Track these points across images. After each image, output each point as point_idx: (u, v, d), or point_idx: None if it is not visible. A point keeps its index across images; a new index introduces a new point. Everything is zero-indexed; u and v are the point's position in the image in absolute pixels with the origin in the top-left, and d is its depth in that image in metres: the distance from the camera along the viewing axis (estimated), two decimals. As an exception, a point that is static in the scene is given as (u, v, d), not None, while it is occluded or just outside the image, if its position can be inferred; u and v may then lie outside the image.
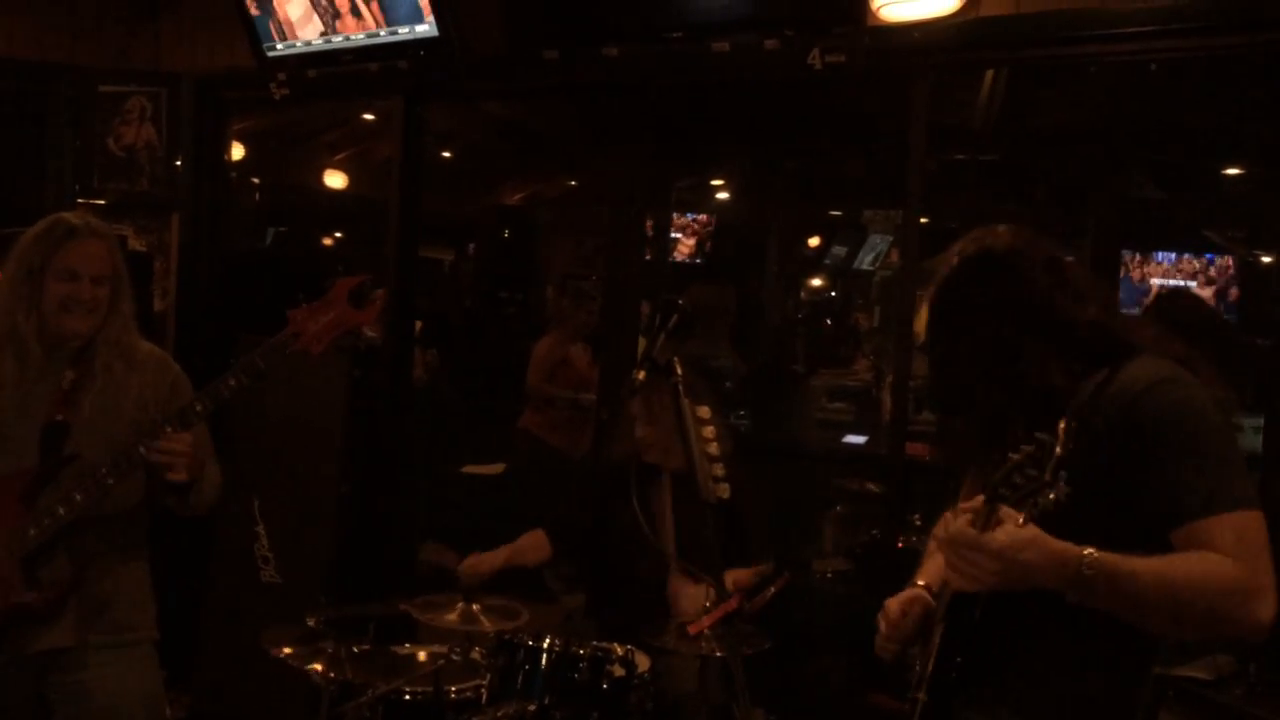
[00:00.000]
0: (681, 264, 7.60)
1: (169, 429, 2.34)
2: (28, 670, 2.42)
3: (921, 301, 1.83)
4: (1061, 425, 1.51)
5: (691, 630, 2.40)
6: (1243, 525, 1.55)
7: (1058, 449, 1.50)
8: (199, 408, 2.39)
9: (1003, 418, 1.69)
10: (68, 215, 2.53)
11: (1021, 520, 1.53)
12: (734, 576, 2.78)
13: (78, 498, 2.36)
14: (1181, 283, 6.84)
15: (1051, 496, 1.52)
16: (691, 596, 2.87)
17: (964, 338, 1.74)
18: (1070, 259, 1.79)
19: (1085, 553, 1.52)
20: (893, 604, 1.88)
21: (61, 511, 2.35)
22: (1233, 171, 6.16)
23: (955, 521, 1.61)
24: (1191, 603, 1.53)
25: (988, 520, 1.55)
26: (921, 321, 1.82)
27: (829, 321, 7.88)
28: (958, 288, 1.76)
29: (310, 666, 2.75)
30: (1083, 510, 1.58)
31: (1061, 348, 1.68)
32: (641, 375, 1.91)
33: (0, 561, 2.32)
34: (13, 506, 2.34)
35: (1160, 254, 6.90)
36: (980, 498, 1.58)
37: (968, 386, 1.74)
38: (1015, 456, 1.53)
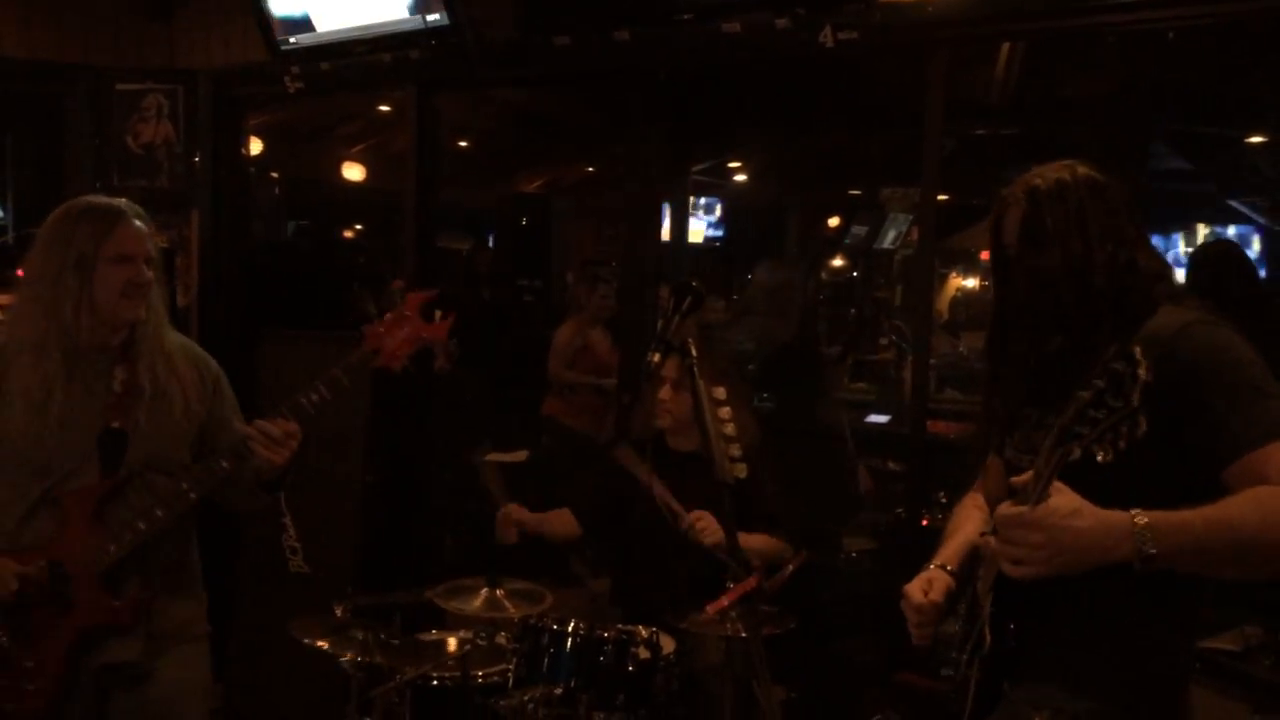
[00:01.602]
0: (700, 246, 7.60)
1: (280, 417, 2.33)
2: (92, 679, 2.35)
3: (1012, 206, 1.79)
4: (1138, 349, 1.44)
5: (711, 609, 2.40)
6: None
7: (1141, 373, 1.41)
8: (304, 406, 2.36)
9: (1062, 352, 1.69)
10: (100, 198, 2.41)
11: (1105, 457, 1.49)
12: (749, 542, 2.78)
13: (159, 513, 2.31)
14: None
15: (1143, 426, 1.44)
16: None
17: (1062, 248, 1.71)
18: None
19: (1134, 513, 1.50)
20: (913, 589, 1.86)
21: (142, 527, 2.31)
22: (1256, 140, 6.07)
23: (1002, 507, 1.59)
24: (1257, 539, 1.50)
25: (1043, 490, 1.51)
26: (1011, 230, 1.78)
27: (853, 311, 7.82)
28: (1075, 198, 1.73)
29: (339, 654, 2.78)
30: (1125, 468, 1.54)
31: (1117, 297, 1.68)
32: (656, 357, 1.91)
33: (82, 578, 2.27)
34: (86, 522, 2.29)
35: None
36: (1028, 474, 1.55)
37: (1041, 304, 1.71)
38: (1085, 394, 1.45)
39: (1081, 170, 1.77)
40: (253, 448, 2.31)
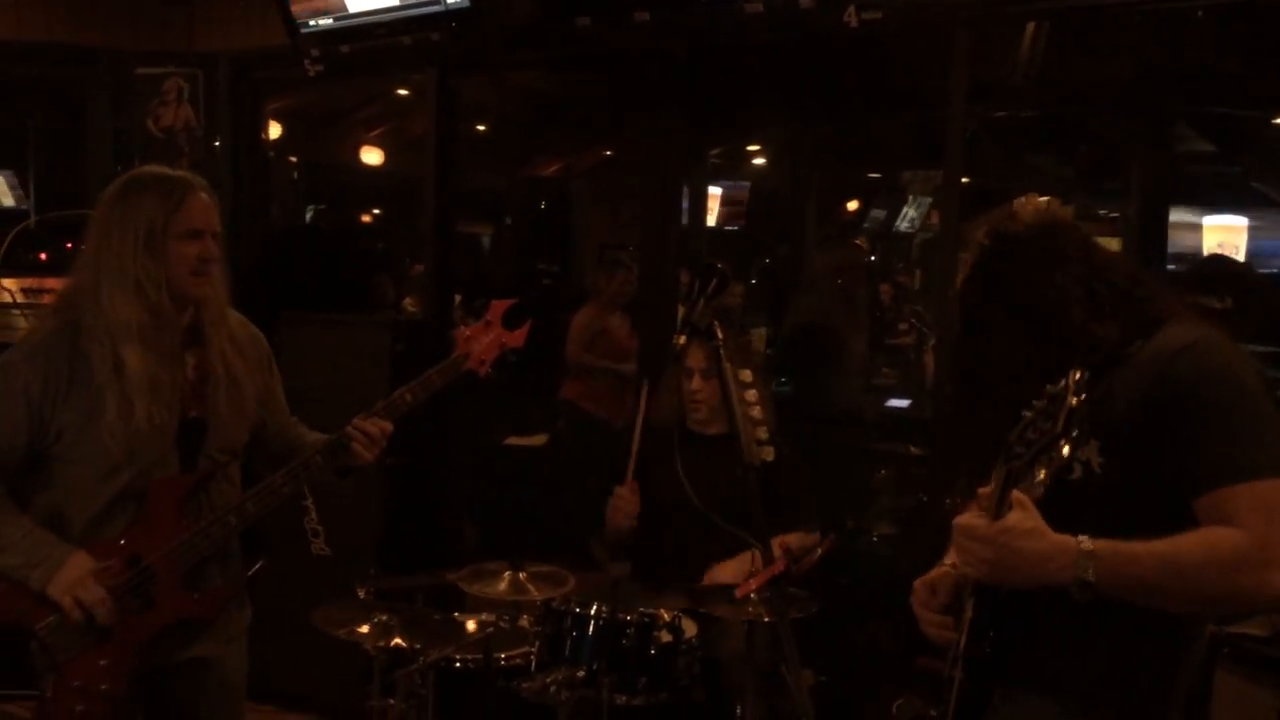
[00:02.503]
0: (719, 230, 7.56)
1: (378, 416, 2.32)
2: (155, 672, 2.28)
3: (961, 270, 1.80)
4: (1074, 375, 1.46)
5: (739, 593, 2.40)
6: (1262, 494, 1.50)
7: (1070, 399, 1.45)
8: (399, 405, 2.36)
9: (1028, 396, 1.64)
10: (163, 169, 2.28)
11: (1041, 477, 1.50)
12: (781, 541, 2.77)
13: (250, 507, 2.26)
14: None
15: (1065, 450, 1.47)
16: (730, 572, 2.86)
17: (998, 323, 1.69)
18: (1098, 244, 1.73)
19: (1081, 539, 1.50)
20: (919, 585, 1.84)
21: (234, 521, 2.25)
22: (1282, 122, 6.00)
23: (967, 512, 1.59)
24: (1200, 581, 1.49)
25: (1000, 505, 1.52)
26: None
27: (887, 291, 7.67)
28: (986, 277, 1.72)
29: (362, 636, 2.80)
30: (1115, 481, 1.56)
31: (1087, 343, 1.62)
32: (682, 339, 1.91)
33: (165, 575, 2.19)
34: (173, 513, 2.21)
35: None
36: (993, 484, 1.55)
37: (999, 370, 1.68)
38: (1028, 414, 1.50)
39: (1016, 225, 1.73)
40: (354, 448, 2.30)
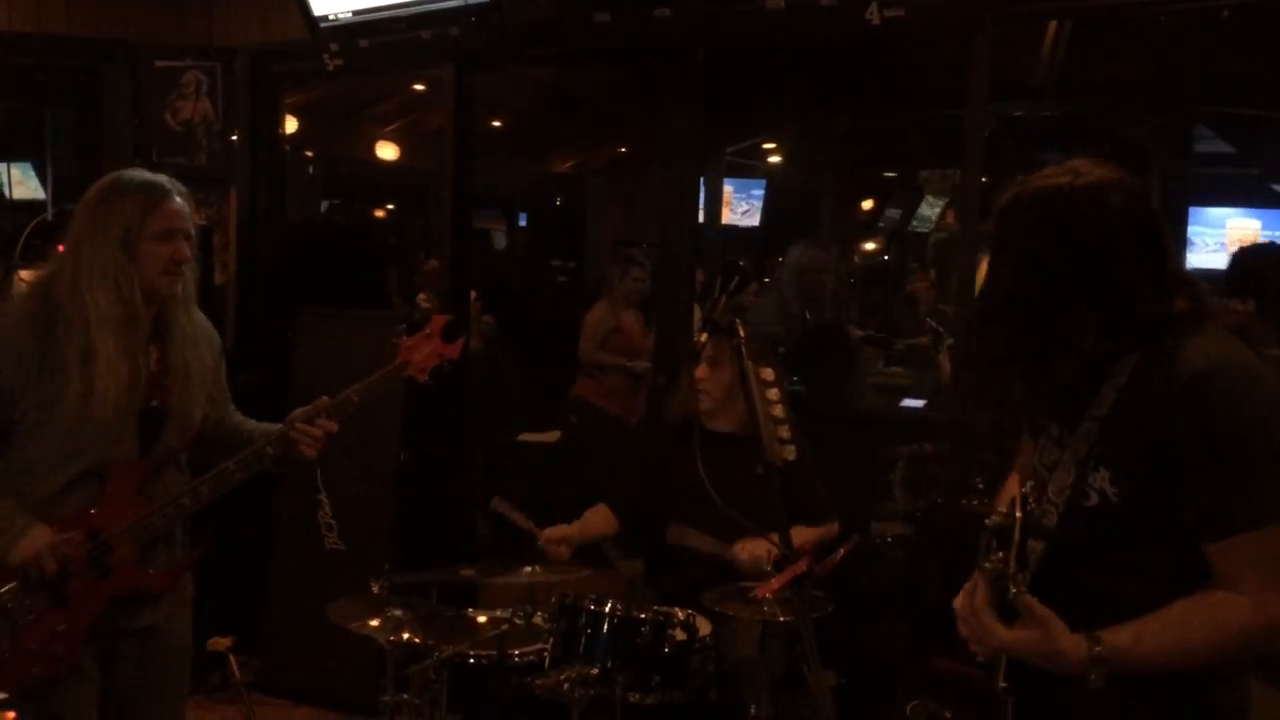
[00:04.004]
0: (735, 228, 7.54)
1: (324, 417, 2.48)
2: (108, 638, 2.46)
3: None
4: (1017, 495, 1.48)
5: (760, 593, 2.38)
6: (1267, 545, 1.46)
7: (1015, 534, 1.47)
8: (346, 405, 2.52)
9: (1023, 400, 1.62)
10: (143, 173, 2.47)
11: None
12: (800, 535, 2.76)
13: (204, 490, 2.44)
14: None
15: (1019, 590, 1.48)
16: (760, 547, 2.84)
17: (1019, 276, 1.59)
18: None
19: (1095, 651, 1.48)
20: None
21: (187, 502, 2.43)
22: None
23: (974, 593, 1.56)
24: (1212, 657, 1.50)
25: (999, 605, 1.52)
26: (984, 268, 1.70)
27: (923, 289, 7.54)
28: (1060, 209, 1.57)
29: (375, 631, 2.79)
30: (1131, 511, 1.52)
31: (1110, 323, 1.55)
32: (704, 338, 1.89)
33: (121, 548, 2.38)
34: (131, 494, 2.40)
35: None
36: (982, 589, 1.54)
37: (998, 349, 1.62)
38: (989, 524, 1.50)
39: (1081, 179, 1.59)
40: (298, 446, 2.48)
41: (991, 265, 1.66)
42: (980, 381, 1.67)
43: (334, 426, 2.50)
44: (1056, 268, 1.56)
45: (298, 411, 2.50)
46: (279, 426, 2.52)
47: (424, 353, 2.59)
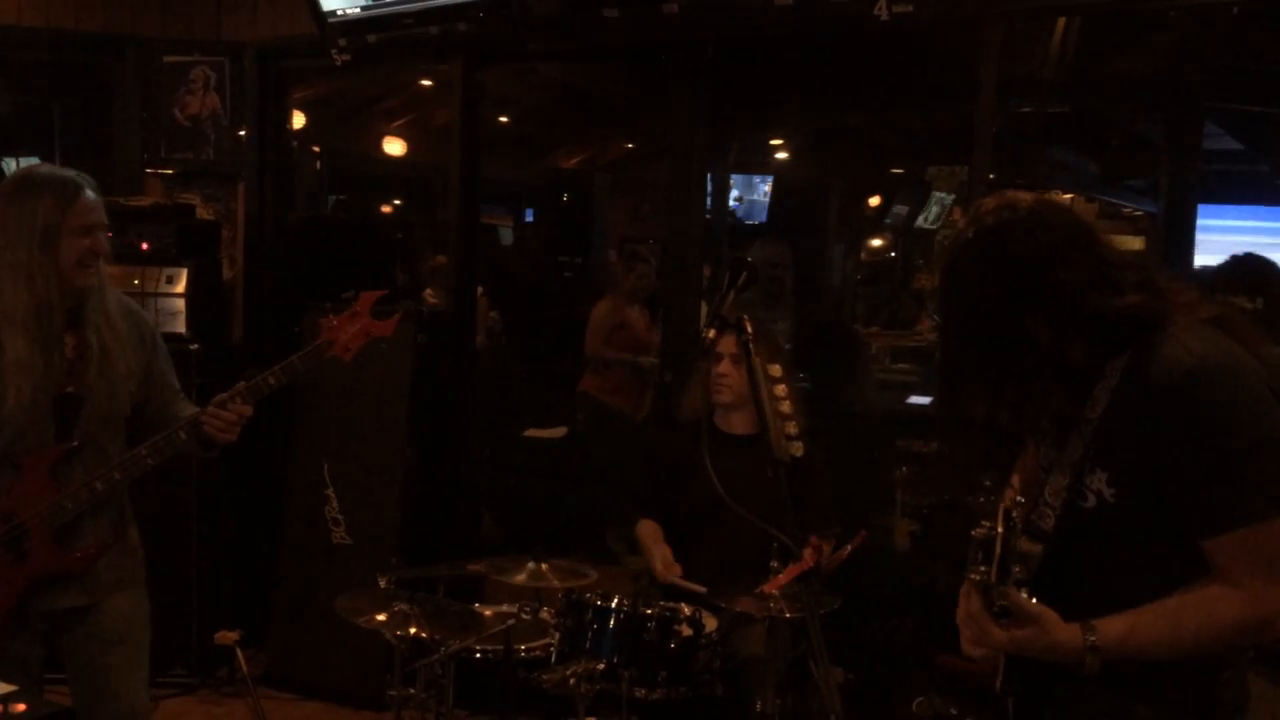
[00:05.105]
0: (742, 224, 7.52)
1: (238, 400, 2.48)
2: (40, 626, 2.52)
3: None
4: (1000, 512, 1.49)
5: (768, 588, 2.39)
6: (1262, 540, 1.47)
7: (997, 548, 1.49)
8: (262, 387, 2.52)
9: (1017, 423, 1.63)
10: (54, 169, 2.52)
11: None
12: (814, 541, 2.75)
13: (117, 475, 2.48)
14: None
15: (1005, 602, 1.50)
16: None
17: (973, 328, 1.61)
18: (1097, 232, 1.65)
19: (1090, 640, 1.51)
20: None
21: (100, 487, 2.47)
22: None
23: (970, 595, 1.57)
24: (1208, 646, 1.53)
25: (990, 609, 1.54)
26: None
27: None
28: (966, 267, 1.61)
29: (382, 625, 2.80)
30: (1128, 512, 1.53)
31: (1085, 334, 1.55)
32: (712, 333, 1.89)
33: (37, 532, 2.44)
34: (45, 480, 2.45)
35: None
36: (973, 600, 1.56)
37: (974, 393, 1.62)
38: (974, 536, 1.51)
39: (990, 221, 1.60)
40: (208, 429, 2.48)
41: (941, 331, 1.72)
42: (967, 447, 1.73)
43: (248, 410, 2.50)
44: (996, 303, 1.58)
45: (217, 397, 2.51)
46: (195, 412, 2.54)
47: (349, 332, 2.57)
